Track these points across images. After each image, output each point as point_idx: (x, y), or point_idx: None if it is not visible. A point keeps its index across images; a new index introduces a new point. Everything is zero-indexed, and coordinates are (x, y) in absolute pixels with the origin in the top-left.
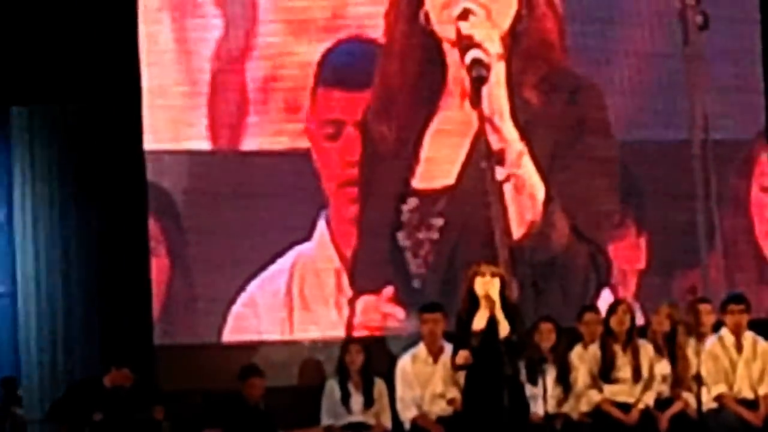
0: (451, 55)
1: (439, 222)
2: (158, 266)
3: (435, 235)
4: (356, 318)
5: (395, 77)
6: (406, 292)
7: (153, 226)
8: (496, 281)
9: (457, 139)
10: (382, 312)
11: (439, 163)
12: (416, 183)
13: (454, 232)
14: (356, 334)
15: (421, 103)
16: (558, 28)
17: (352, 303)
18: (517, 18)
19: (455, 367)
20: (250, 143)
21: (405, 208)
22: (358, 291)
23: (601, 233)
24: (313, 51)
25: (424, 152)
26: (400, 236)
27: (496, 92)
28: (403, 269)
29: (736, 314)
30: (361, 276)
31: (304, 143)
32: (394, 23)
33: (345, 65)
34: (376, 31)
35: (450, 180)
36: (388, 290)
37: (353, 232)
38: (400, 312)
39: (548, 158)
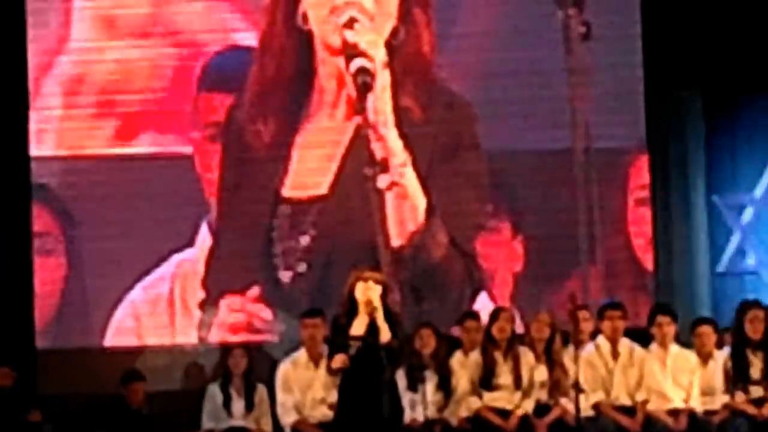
0: (325, 62)
1: (310, 230)
2: (41, 273)
3: (306, 243)
4: (220, 317)
5: (268, 79)
6: (274, 295)
7: (36, 235)
8: (378, 287)
9: (328, 148)
10: (247, 311)
11: (310, 173)
12: (287, 192)
13: (327, 241)
14: (220, 334)
15: (293, 107)
16: (432, 42)
17: (216, 303)
18: (394, 32)
19: (331, 371)
20: (134, 147)
21: (277, 215)
22: (224, 291)
23: (474, 243)
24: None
25: (294, 161)
26: (272, 243)
27: (381, 100)
28: (273, 276)
29: (615, 320)
30: (229, 277)
31: (188, 148)
32: (270, 23)
33: (225, 70)
34: (252, 39)
35: (322, 190)
36: (254, 290)
37: (228, 236)
38: (267, 313)
39: (426, 169)
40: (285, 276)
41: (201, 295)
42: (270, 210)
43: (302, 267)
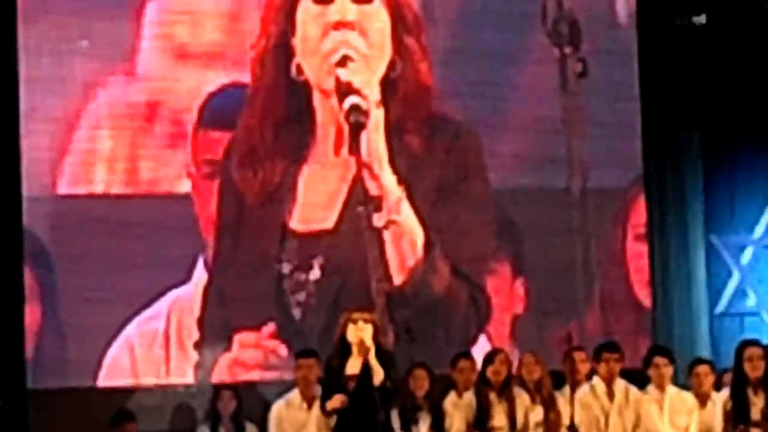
0: (323, 106)
1: (319, 264)
2: (32, 310)
3: (316, 277)
4: (232, 354)
5: (261, 126)
6: (288, 331)
7: (28, 271)
8: (369, 327)
9: (333, 184)
10: (263, 347)
11: (316, 208)
12: (294, 225)
13: (335, 275)
14: (233, 371)
15: (286, 151)
16: (430, 69)
17: (226, 341)
18: (391, 66)
19: (326, 413)
20: (124, 186)
21: (284, 249)
22: (236, 328)
23: (480, 274)
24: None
25: (300, 194)
26: (282, 277)
27: (375, 139)
28: (285, 312)
29: (611, 362)
30: (239, 313)
31: (183, 186)
32: (259, 77)
33: (224, 107)
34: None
35: (329, 224)
36: (270, 327)
37: (231, 273)
38: (283, 349)
39: (430, 203)
40: (296, 312)
41: (196, 335)
42: (278, 243)
43: (312, 301)
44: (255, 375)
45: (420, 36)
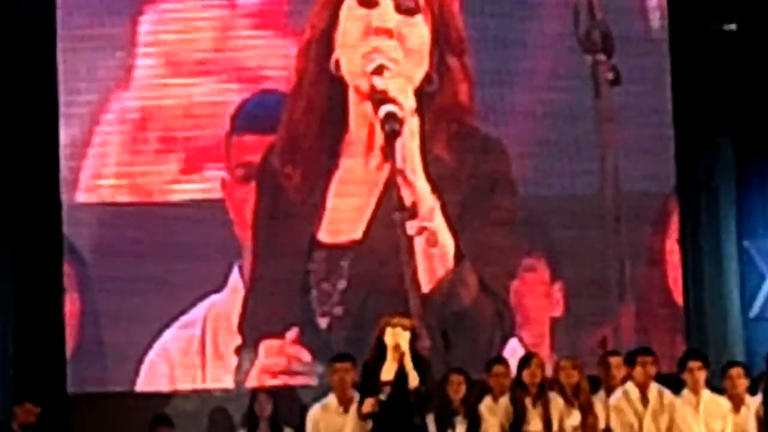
0: (357, 108)
1: (346, 275)
2: (71, 318)
3: (342, 288)
4: (259, 360)
5: (300, 123)
6: (312, 339)
7: (68, 279)
8: (407, 333)
9: (363, 194)
10: (287, 354)
11: (344, 218)
12: (322, 236)
13: (362, 285)
14: (260, 378)
15: (324, 152)
16: (470, 90)
17: (253, 347)
18: (426, 78)
19: (361, 416)
20: (163, 194)
21: (313, 259)
22: (262, 335)
23: (506, 287)
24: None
25: (329, 206)
26: (308, 287)
27: (410, 146)
28: (310, 320)
29: (647, 366)
30: (266, 321)
31: (218, 194)
32: (303, 67)
33: (258, 112)
34: (286, 83)
35: (357, 235)
36: (293, 333)
37: (263, 279)
38: (306, 355)
39: (458, 214)
40: (322, 321)
41: (237, 340)
42: (306, 254)
43: (338, 311)
44: (280, 381)
45: (462, 56)
